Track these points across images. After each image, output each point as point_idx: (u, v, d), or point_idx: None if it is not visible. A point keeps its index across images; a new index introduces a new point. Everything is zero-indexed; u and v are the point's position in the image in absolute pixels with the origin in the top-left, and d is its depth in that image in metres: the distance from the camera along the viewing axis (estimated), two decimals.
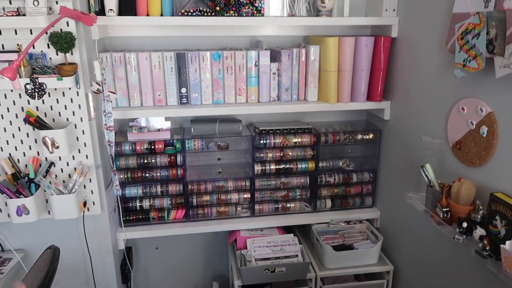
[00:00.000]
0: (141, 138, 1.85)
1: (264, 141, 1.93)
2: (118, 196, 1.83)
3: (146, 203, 1.91)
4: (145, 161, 1.86)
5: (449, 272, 1.54)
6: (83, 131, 1.60)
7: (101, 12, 1.64)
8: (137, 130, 1.86)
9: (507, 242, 1.09)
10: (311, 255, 2.00)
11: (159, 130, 1.89)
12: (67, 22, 1.46)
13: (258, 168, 1.96)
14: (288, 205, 2.05)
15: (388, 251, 2.01)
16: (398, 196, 1.87)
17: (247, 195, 2.01)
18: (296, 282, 1.93)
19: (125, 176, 1.86)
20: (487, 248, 1.17)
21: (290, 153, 1.97)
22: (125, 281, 2.00)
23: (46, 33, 1.44)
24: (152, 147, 1.84)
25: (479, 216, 1.26)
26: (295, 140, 1.95)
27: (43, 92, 1.43)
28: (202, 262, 2.38)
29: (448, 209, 1.34)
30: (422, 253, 1.72)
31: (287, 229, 2.08)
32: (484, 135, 1.28)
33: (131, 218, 1.93)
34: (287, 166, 1.99)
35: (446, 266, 1.55)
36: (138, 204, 1.91)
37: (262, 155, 1.95)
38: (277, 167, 1.98)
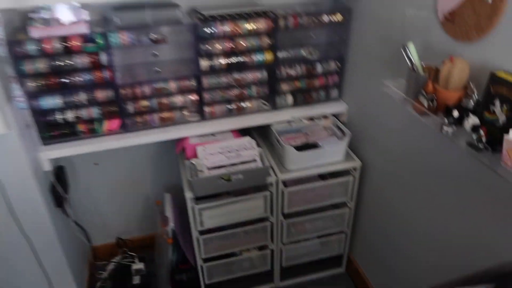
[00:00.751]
0: (49, 33, 1.42)
1: (210, 30, 1.57)
2: (31, 110, 1.46)
3: (70, 115, 1.57)
4: (60, 63, 1.46)
5: (429, 168, 1.38)
6: None
7: None
8: (41, 23, 1.42)
9: None
10: (272, 158, 1.81)
11: (73, 22, 1.46)
12: None
13: (204, 63, 1.63)
14: (243, 105, 1.78)
15: (356, 148, 1.85)
16: (370, 87, 1.64)
17: (194, 97, 1.70)
18: (257, 188, 1.75)
19: (36, 83, 1.46)
20: (483, 139, 0.98)
21: (243, 43, 1.63)
22: (59, 205, 1.73)
23: None
24: (67, 44, 1.43)
25: (471, 102, 1.05)
26: (248, 26, 1.60)
27: None
28: (151, 174, 2.14)
29: (434, 96, 1.12)
30: (397, 148, 1.56)
31: (243, 132, 1.84)
32: (489, 0, 1.00)
33: (54, 134, 1.59)
34: (240, 59, 1.66)
35: (426, 161, 1.39)
36: (60, 116, 1.56)
37: (208, 47, 1.60)
38: (228, 61, 1.65)
